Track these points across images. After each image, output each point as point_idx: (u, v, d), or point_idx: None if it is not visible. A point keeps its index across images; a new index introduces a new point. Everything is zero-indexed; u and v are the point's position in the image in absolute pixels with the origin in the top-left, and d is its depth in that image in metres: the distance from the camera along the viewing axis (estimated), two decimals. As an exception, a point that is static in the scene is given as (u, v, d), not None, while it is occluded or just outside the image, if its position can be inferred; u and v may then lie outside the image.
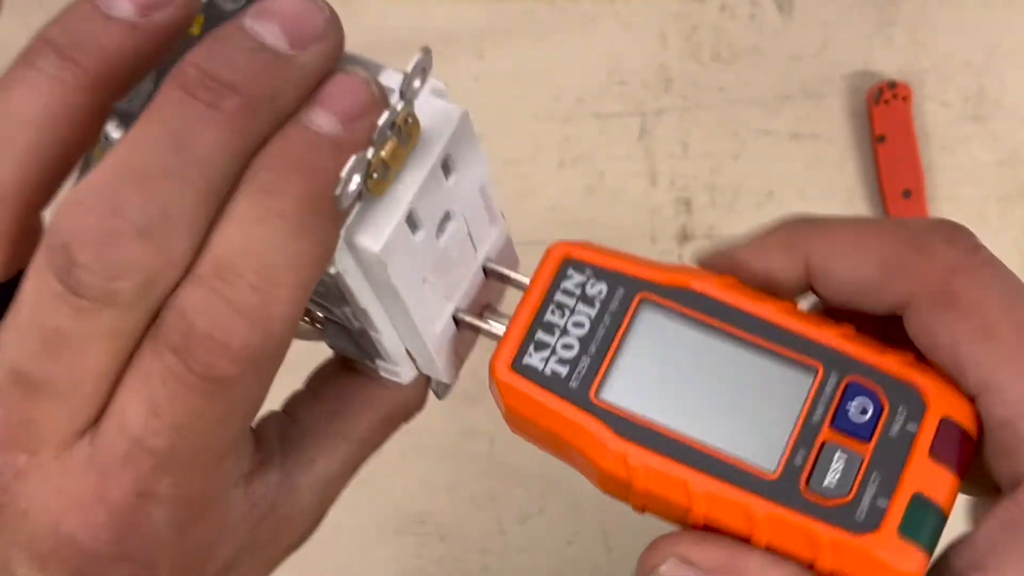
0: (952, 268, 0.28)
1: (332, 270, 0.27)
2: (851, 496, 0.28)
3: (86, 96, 0.25)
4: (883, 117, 0.64)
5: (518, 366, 0.29)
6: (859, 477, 0.28)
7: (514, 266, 0.32)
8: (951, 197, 0.64)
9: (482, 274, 0.31)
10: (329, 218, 0.25)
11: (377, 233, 0.26)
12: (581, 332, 0.29)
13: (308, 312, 0.30)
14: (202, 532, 0.27)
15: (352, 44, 0.26)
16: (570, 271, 0.30)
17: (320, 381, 0.32)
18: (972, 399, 0.28)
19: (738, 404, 0.29)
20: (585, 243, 0.30)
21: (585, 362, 0.29)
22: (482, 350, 0.32)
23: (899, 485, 0.28)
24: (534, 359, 0.29)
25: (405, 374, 0.31)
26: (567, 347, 0.29)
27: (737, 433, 0.29)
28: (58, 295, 0.23)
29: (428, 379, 0.32)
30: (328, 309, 0.29)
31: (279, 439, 0.30)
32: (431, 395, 0.33)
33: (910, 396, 0.29)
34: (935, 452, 0.28)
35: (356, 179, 0.24)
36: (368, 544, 0.60)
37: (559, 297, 0.30)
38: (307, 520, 0.30)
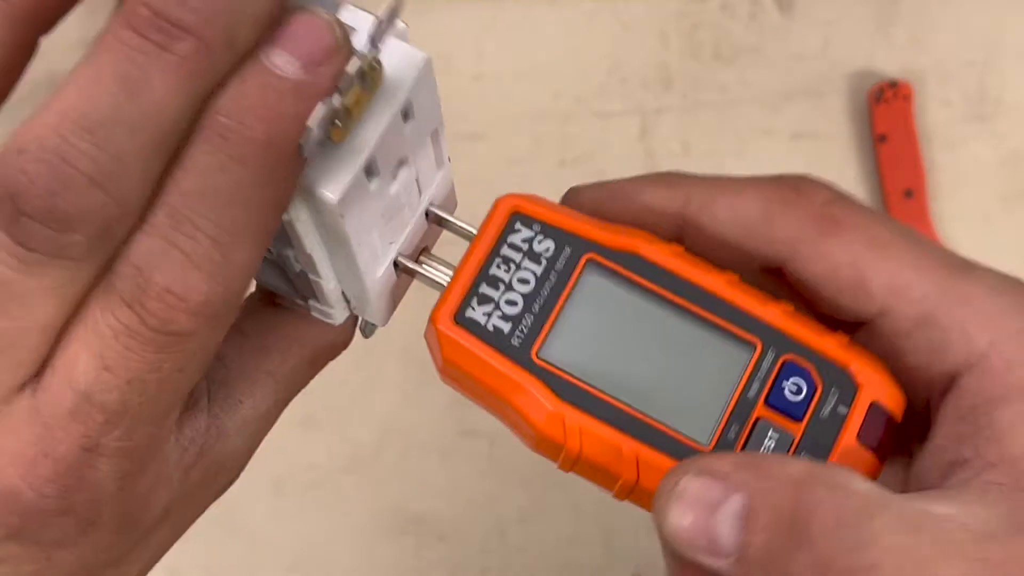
0: (827, 201, 0.29)
1: (284, 216, 0.26)
2: None
3: (12, 30, 0.24)
4: (884, 116, 0.64)
5: (460, 319, 0.29)
6: (789, 456, 0.28)
7: (453, 210, 0.31)
8: (953, 196, 0.63)
9: (424, 218, 0.30)
10: (288, 165, 0.24)
11: (335, 182, 0.25)
12: (526, 289, 0.29)
13: None
14: (143, 484, 0.26)
15: (351, 43, 0.26)
16: (518, 225, 0.30)
17: (243, 317, 0.31)
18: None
19: (676, 374, 0.29)
20: (534, 197, 0.30)
21: (528, 320, 0.29)
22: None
23: None
24: (477, 313, 0.29)
25: (338, 316, 0.30)
26: (511, 303, 0.29)
27: (673, 403, 0.29)
28: (4, 247, 0.22)
29: (356, 318, 0.31)
30: (267, 249, 0.28)
31: (205, 379, 0.29)
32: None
33: (843, 378, 0.29)
34: (862, 436, 0.29)
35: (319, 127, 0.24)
36: (368, 544, 0.60)
37: (505, 251, 0.30)
38: (235, 463, 0.30)
